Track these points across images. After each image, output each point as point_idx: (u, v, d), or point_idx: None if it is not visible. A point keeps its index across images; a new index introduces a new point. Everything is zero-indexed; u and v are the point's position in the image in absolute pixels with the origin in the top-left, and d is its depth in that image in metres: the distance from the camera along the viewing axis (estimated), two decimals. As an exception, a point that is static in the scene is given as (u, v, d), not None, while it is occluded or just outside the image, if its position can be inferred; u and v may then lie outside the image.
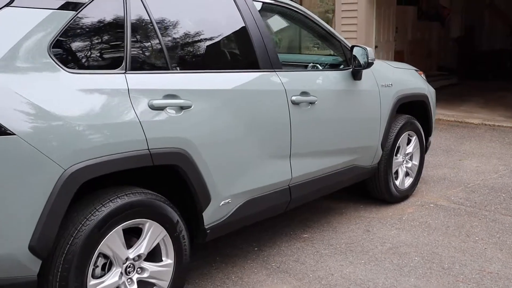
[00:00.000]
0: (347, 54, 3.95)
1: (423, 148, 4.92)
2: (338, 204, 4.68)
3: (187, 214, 2.90)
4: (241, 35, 3.27)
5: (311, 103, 3.51)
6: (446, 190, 5.05)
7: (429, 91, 4.92)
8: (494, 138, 7.28)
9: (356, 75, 3.91)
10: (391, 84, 4.32)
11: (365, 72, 4.03)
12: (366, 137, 4.13)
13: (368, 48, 3.79)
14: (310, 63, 4.23)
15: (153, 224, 2.64)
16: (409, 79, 4.71)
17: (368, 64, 3.80)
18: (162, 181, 2.87)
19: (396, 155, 4.58)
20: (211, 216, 2.97)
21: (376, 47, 9.89)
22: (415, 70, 5.00)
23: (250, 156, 3.13)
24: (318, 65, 4.16)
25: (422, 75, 5.04)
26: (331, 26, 4.50)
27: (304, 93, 3.45)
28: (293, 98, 3.36)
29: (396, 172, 4.68)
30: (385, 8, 10.06)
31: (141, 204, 2.56)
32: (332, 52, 4.24)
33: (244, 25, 3.24)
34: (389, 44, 10.57)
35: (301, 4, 19.90)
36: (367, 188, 4.63)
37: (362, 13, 9.10)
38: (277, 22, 4.47)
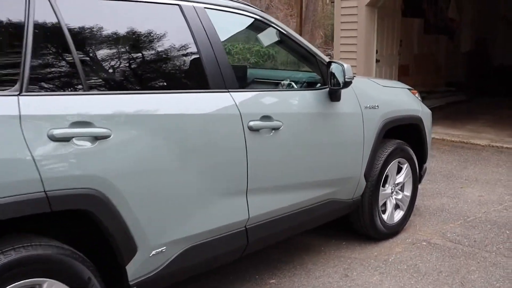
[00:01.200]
0: (323, 71, 3.41)
1: (417, 177, 4.35)
2: (318, 240, 4.11)
3: (108, 268, 2.38)
4: (186, 48, 2.74)
5: (275, 129, 2.97)
6: (442, 225, 4.47)
7: (424, 113, 4.36)
8: (502, 162, 6.67)
9: (333, 96, 3.37)
10: (377, 106, 3.77)
11: (345, 92, 3.49)
12: (346, 167, 3.57)
13: (345, 65, 3.25)
14: (284, 80, 3.69)
15: (54, 284, 2.11)
16: (399, 100, 4.15)
17: (345, 84, 3.25)
18: (78, 227, 2.34)
19: (383, 186, 4.02)
20: (138, 269, 2.43)
21: (378, 61, 9.36)
22: (408, 89, 4.44)
23: (192, 194, 2.60)
24: (293, 84, 3.62)
25: (417, 95, 4.48)
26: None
27: (265, 118, 2.92)
28: (251, 123, 2.83)
29: (384, 205, 4.12)
30: (388, 20, 9.52)
31: (35, 260, 2.03)
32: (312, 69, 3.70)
33: (191, 36, 2.72)
34: (393, 58, 10.02)
35: (312, 15, 19.00)
36: (350, 223, 4.07)
37: (362, 25, 8.56)
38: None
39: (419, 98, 4.52)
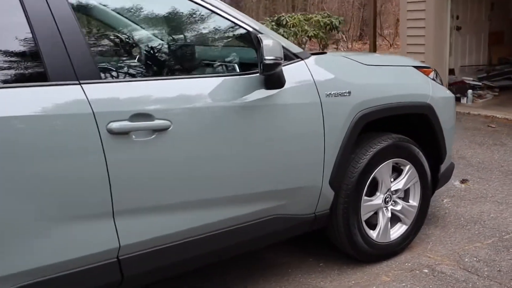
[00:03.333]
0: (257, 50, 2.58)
1: (427, 182, 3.35)
2: (291, 257, 3.32)
3: None
4: (8, 25, 2.10)
5: (159, 130, 2.25)
6: (466, 243, 3.43)
7: (437, 99, 3.32)
8: None
9: (268, 82, 2.54)
10: (348, 92, 2.85)
11: (296, 76, 2.68)
12: (293, 175, 2.73)
13: (265, 41, 2.39)
14: (214, 63, 2.85)
15: None
16: (391, 83, 3.15)
17: (264, 67, 2.40)
18: None
19: (370, 195, 3.11)
20: None
21: (459, 28, 8.00)
22: (417, 66, 3.40)
23: (12, 219, 1.99)
24: (235, 66, 2.81)
25: (431, 75, 3.43)
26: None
27: (140, 116, 2.20)
28: (112, 125, 2.13)
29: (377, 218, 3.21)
30: (473, -21, 8.06)
31: None
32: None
33: (19, 7, 2.07)
34: (481, 24, 8.53)
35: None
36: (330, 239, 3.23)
37: (432, -14, 7.26)
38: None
39: (436, 79, 3.47)
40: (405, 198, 3.34)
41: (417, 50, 7.49)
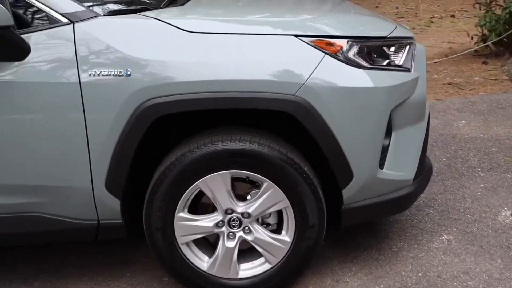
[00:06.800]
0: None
1: (307, 213, 2.25)
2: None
3: None
4: None
5: None
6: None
7: (329, 89, 2.10)
8: None
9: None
10: (127, 72, 2.06)
11: (48, 45, 2.11)
12: (41, 171, 2.17)
13: None
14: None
15: None
16: (213, 62, 2.07)
17: None
18: None
19: (198, 213, 2.30)
20: None
21: None
22: (303, 36, 2.12)
23: None
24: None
25: (344, 50, 2.15)
26: None
27: None
28: None
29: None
30: None
31: None
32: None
33: None
34: None
35: None
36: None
37: None
38: None
39: (353, 56, 2.16)
40: (278, 228, 2.34)
41: None
